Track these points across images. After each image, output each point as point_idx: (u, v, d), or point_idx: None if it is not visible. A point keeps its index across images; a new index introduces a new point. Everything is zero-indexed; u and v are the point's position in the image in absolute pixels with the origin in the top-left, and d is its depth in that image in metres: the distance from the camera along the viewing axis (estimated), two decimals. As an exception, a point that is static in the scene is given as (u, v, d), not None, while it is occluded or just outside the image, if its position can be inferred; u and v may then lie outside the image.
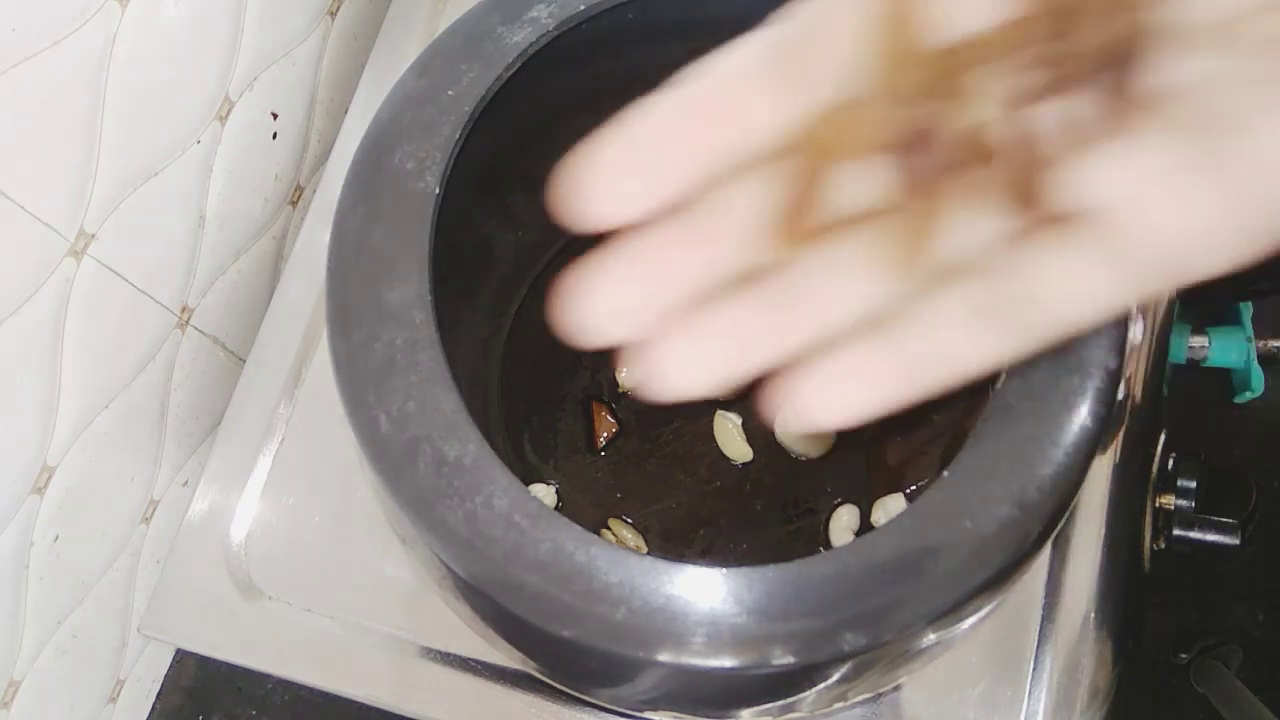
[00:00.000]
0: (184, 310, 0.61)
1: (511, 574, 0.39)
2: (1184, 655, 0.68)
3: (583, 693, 0.50)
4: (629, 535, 0.54)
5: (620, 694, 0.47)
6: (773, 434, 0.56)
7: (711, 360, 0.25)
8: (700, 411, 0.57)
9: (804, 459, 0.56)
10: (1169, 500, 0.53)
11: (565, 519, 0.39)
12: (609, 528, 0.54)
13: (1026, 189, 0.22)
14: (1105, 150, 0.22)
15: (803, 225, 0.24)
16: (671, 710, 0.46)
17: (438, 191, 0.44)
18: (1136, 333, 0.42)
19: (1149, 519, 0.54)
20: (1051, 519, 0.40)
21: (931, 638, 0.41)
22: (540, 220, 0.60)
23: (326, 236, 0.45)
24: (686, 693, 0.44)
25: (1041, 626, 0.51)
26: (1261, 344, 0.58)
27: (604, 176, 0.24)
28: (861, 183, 0.23)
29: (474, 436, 0.41)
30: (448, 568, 0.40)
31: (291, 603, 0.55)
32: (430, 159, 0.45)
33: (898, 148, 0.22)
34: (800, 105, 0.24)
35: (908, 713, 0.50)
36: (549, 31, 0.47)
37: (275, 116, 0.63)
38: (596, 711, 0.52)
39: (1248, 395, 0.59)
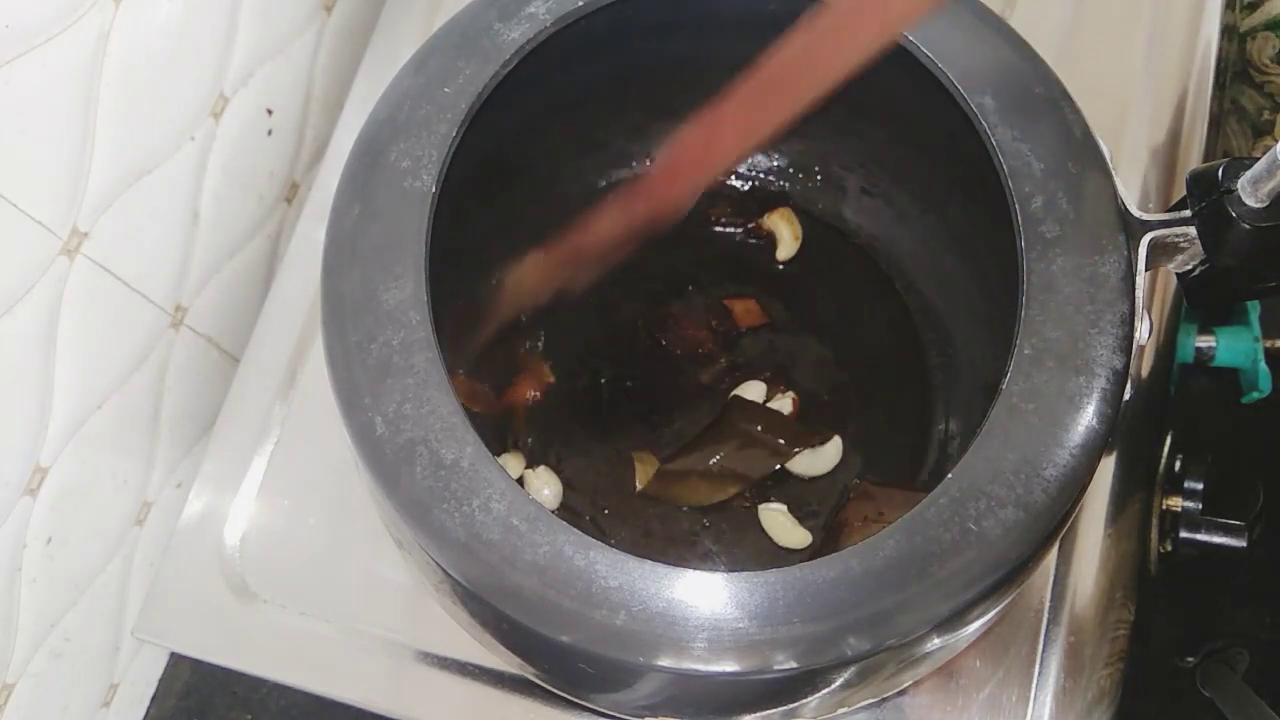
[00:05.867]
0: (178, 309, 0.60)
1: (509, 578, 0.38)
2: (1190, 659, 0.67)
3: (581, 698, 0.50)
4: (545, 478, 0.54)
5: (620, 699, 0.46)
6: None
7: None
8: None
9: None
10: (1176, 502, 0.53)
11: (564, 522, 0.39)
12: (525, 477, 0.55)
13: None
14: None
15: None
16: (672, 716, 0.45)
17: (434, 190, 0.44)
18: (1143, 332, 0.42)
19: (1156, 521, 0.54)
20: (1058, 522, 0.39)
21: (936, 642, 0.40)
22: (538, 218, 0.60)
23: (322, 234, 0.45)
24: (687, 698, 0.43)
25: (1047, 630, 0.51)
26: (1270, 344, 0.57)
27: None
28: None
29: (471, 439, 0.40)
30: (445, 572, 0.39)
31: (286, 606, 0.55)
32: (427, 157, 0.45)
33: None
34: None
35: (911, 717, 0.50)
36: (547, 28, 0.47)
37: (270, 113, 0.63)
38: (595, 717, 0.51)
39: (1255, 395, 0.59)
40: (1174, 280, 0.56)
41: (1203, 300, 0.44)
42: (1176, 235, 0.42)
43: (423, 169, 0.44)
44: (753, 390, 0.57)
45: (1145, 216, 0.43)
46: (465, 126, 0.45)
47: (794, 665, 0.38)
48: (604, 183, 0.61)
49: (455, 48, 0.47)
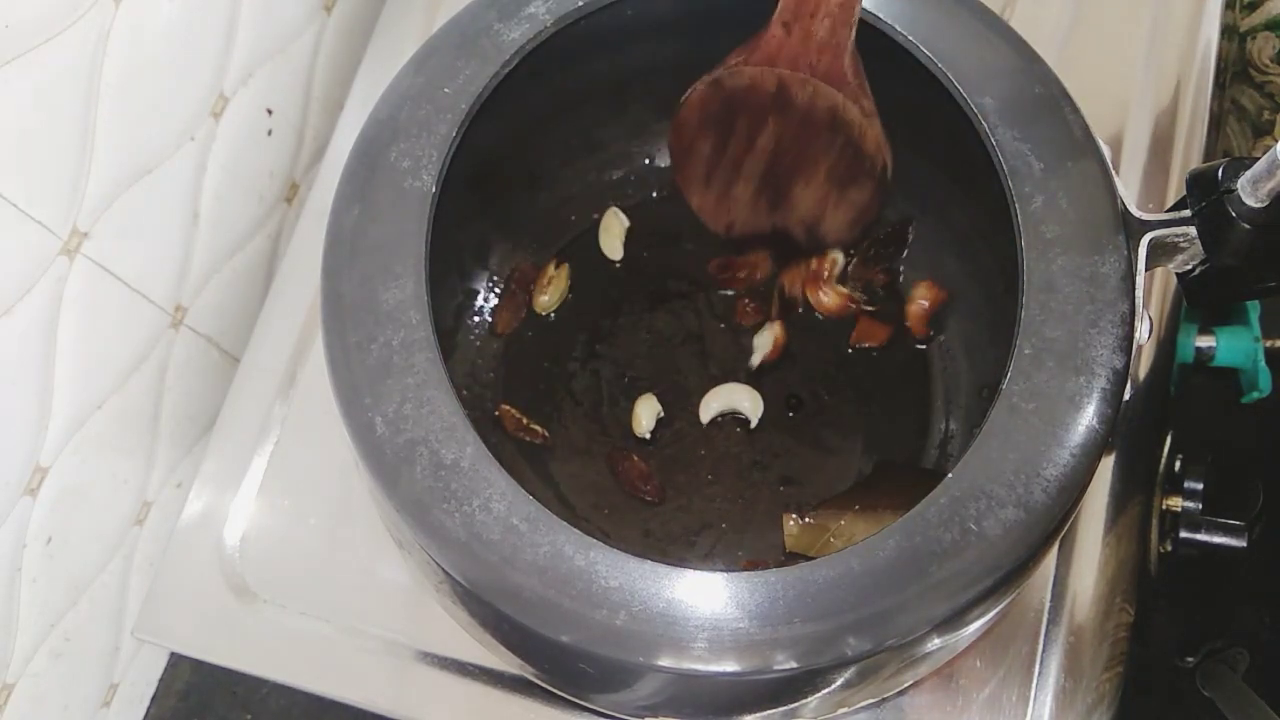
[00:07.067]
0: (178, 309, 0.60)
1: (510, 578, 0.38)
2: (1190, 659, 0.67)
3: (581, 698, 0.50)
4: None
5: (620, 699, 0.46)
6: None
7: None
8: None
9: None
10: (1176, 502, 0.53)
11: (564, 522, 0.39)
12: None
13: None
14: None
15: None
16: (672, 716, 0.45)
17: (434, 190, 0.44)
18: (1143, 332, 0.42)
19: (1156, 521, 0.54)
20: (1057, 522, 0.39)
21: (935, 642, 0.40)
22: (538, 218, 0.60)
23: (322, 234, 0.45)
24: (687, 698, 0.43)
25: (1047, 630, 0.51)
26: (1270, 344, 0.57)
27: None
28: None
29: (471, 439, 0.40)
30: (445, 572, 0.39)
31: (287, 606, 0.55)
32: (426, 157, 0.45)
33: None
34: None
35: (911, 717, 0.50)
36: (547, 28, 0.47)
37: (270, 113, 0.63)
38: (595, 717, 0.51)
39: (1255, 395, 0.59)
40: (1174, 280, 0.56)
41: (1203, 300, 0.44)
42: (1176, 235, 0.42)
43: (423, 169, 0.44)
44: (739, 394, 0.57)
45: (1145, 216, 0.43)
46: (465, 126, 0.45)
47: (794, 665, 0.38)
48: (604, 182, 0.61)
49: (455, 48, 0.47)
